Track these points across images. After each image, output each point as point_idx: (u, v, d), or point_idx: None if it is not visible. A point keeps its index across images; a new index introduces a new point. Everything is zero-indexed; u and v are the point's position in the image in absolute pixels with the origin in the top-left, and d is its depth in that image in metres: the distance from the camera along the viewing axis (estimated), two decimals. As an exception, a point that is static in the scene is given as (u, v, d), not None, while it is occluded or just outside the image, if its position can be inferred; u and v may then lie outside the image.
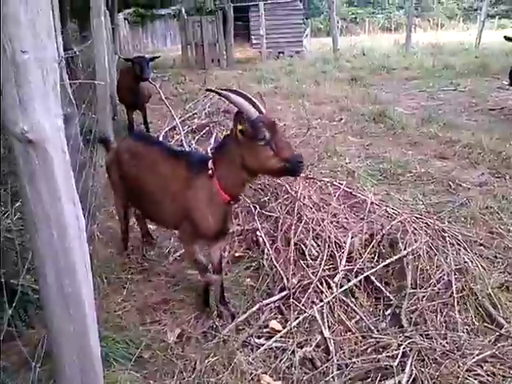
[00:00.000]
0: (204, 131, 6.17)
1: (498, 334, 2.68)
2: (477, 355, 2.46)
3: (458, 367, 2.38)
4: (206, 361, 2.41)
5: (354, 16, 38.79)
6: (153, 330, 2.71)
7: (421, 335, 2.61)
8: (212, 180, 2.46)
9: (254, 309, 2.79)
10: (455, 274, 2.98)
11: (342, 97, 8.58)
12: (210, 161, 2.50)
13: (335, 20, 18.19)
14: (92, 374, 1.62)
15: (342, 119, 7.18)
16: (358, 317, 2.77)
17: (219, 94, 2.40)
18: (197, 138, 5.95)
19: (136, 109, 6.38)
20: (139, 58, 5.95)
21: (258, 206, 3.54)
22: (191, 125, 6.39)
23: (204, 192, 2.50)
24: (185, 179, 2.57)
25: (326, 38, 26.03)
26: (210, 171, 2.46)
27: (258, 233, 3.32)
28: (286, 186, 3.61)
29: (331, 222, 3.26)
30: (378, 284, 2.93)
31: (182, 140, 5.58)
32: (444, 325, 2.74)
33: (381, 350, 2.53)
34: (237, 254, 3.36)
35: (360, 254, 3.09)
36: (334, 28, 17.63)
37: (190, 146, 5.38)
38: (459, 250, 3.26)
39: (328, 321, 2.70)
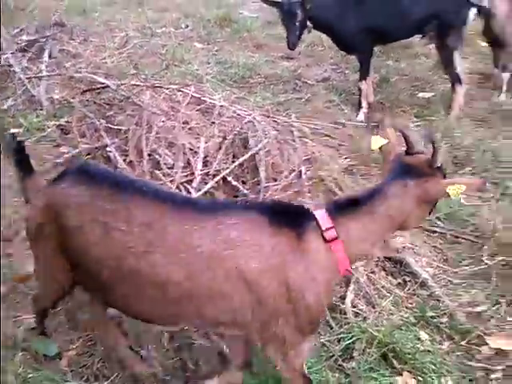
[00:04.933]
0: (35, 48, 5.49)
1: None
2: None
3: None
4: None
5: None
6: None
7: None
8: (331, 245, 1.59)
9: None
10: (304, 165, 3.16)
11: (186, 2, 8.17)
12: (324, 213, 1.63)
13: None
14: None
15: (187, 26, 6.88)
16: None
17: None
18: (28, 56, 5.29)
19: None
20: None
21: (104, 121, 3.32)
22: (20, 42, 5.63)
23: (319, 266, 1.60)
24: (276, 252, 1.56)
25: None
26: (330, 232, 1.59)
27: (108, 149, 3.14)
28: (132, 97, 3.43)
29: (183, 129, 3.20)
30: (235, 183, 3.00)
31: (10, 62, 4.89)
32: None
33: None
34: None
35: (215, 157, 3.11)
36: None
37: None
38: (306, 142, 3.44)
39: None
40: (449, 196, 1.63)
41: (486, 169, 3.44)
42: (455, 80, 4.12)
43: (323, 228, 1.58)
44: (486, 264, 2.63)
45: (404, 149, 1.72)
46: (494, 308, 2.42)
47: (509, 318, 2.37)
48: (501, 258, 2.60)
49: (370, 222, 1.63)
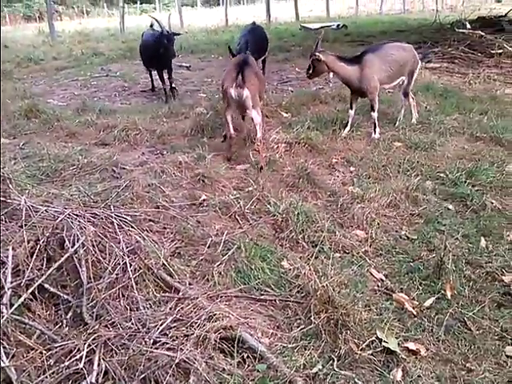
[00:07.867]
0: None
1: (176, 298, 2.88)
2: (160, 325, 2.59)
3: (145, 343, 2.46)
4: None
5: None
6: None
7: (106, 326, 2.59)
8: None
9: None
10: (129, 256, 3.05)
11: (-15, 96, 7.65)
12: None
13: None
14: None
15: (-12, 121, 6.41)
16: (38, 331, 2.56)
17: None
18: None
19: None
20: None
21: None
22: None
23: None
24: None
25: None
26: None
27: None
28: None
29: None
30: (53, 290, 2.76)
31: None
32: (128, 307, 2.78)
33: (69, 356, 2.41)
34: None
35: (28, 264, 2.83)
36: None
37: None
38: (129, 231, 3.35)
39: (4, 347, 2.40)
40: None
41: (302, 229, 3.71)
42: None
43: None
44: (315, 323, 2.78)
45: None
46: (327, 365, 2.54)
47: (342, 372, 2.50)
48: (325, 315, 2.76)
49: None
